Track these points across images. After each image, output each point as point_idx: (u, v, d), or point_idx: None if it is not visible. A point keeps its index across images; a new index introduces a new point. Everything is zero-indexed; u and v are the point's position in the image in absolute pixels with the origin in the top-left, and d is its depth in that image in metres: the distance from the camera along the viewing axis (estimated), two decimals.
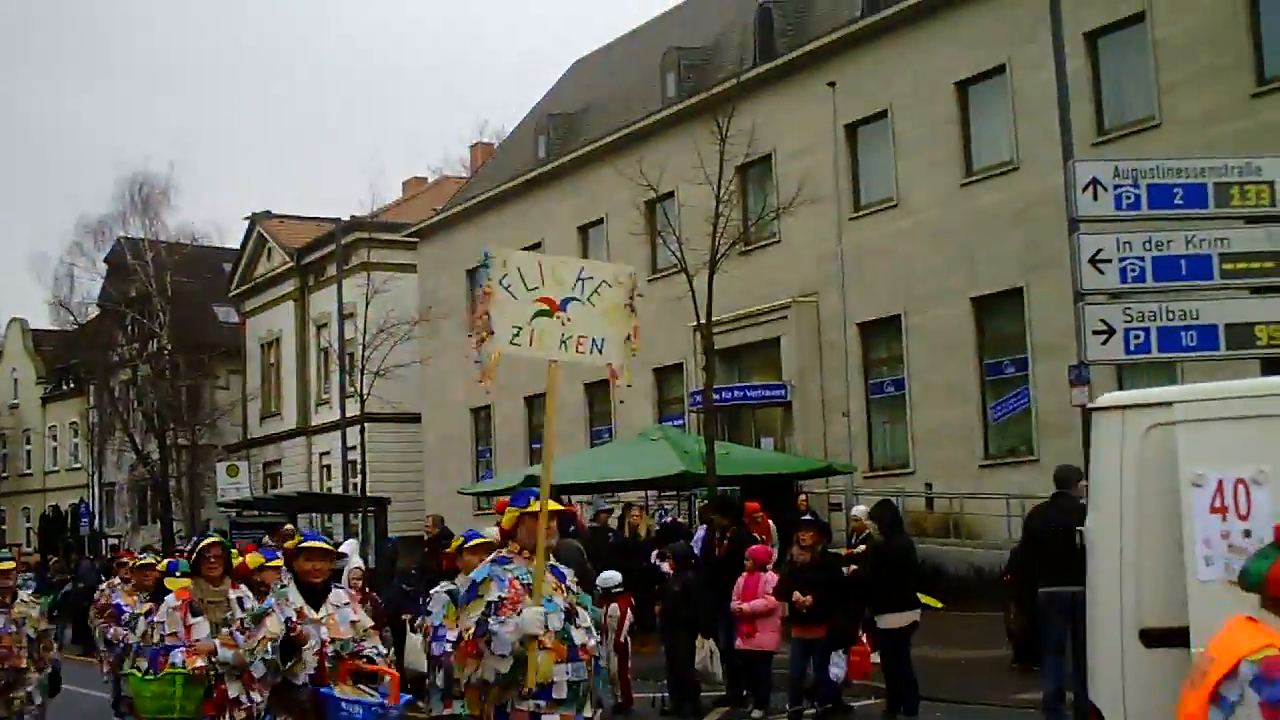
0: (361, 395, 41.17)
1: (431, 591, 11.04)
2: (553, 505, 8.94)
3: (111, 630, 15.69)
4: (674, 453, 29.89)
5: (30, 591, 14.32)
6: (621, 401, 37.68)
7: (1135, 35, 28.55)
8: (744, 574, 17.22)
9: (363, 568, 21.03)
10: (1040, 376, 29.48)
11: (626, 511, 26.68)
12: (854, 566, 17.30)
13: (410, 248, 52.34)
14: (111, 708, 15.06)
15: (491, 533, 9.77)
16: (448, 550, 11.60)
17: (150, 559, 15.67)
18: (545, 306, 9.54)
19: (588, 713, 8.37)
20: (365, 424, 42.00)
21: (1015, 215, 30.00)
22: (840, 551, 19.29)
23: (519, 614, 8.07)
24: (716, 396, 30.82)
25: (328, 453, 55.11)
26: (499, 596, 8.22)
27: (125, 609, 14.14)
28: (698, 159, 27.82)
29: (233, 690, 9.60)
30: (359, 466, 42.72)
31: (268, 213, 62.60)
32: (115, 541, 56.27)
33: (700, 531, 22.59)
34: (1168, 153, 21.32)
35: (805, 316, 35.32)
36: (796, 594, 16.24)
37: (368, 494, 40.85)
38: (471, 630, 8.13)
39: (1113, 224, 17.58)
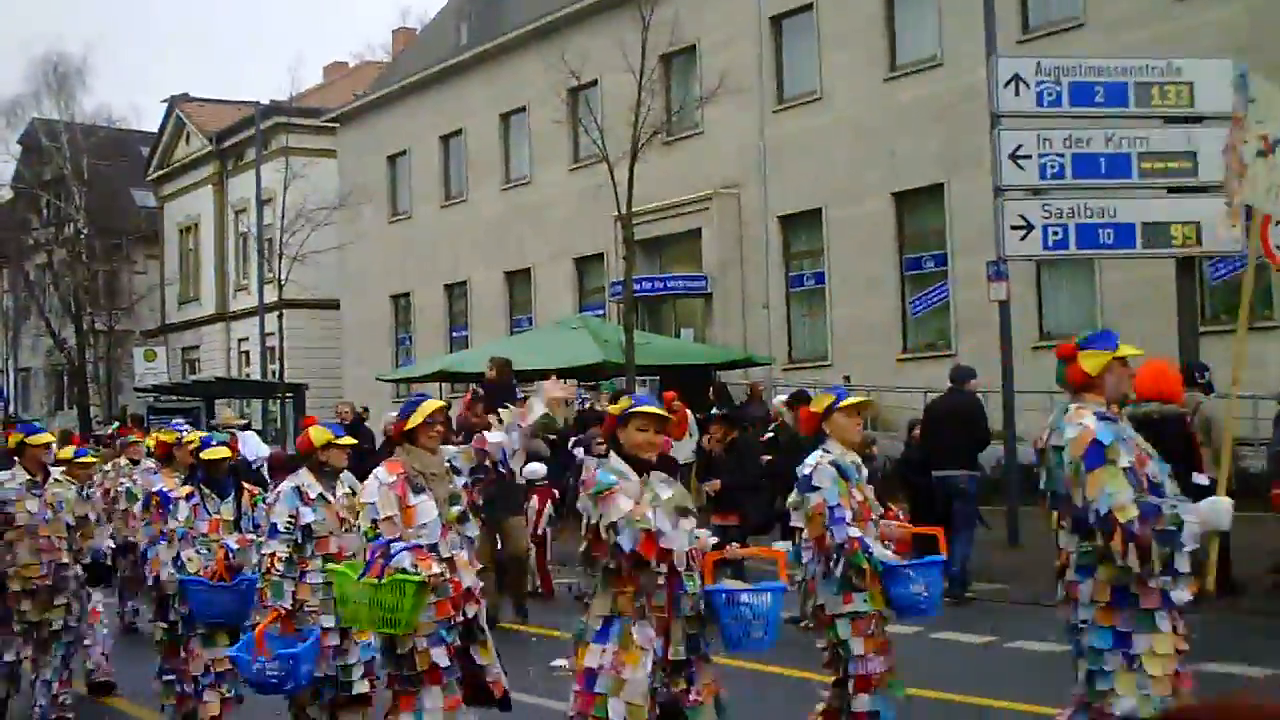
0: (280, 281, 40.96)
1: (814, 465, 8.62)
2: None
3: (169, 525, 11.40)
4: (594, 342, 29.94)
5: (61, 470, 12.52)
6: None
7: None
8: None
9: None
10: (959, 272, 29.65)
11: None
12: (769, 457, 17.40)
13: (330, 133, 51.84)
14: (160, 621, 11.41)
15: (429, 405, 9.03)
16: (812, 410, 9.00)
17: (173, 432, 12.92)
18: (1263, 147, 8.67)
19: None
20: (284, 310, 41.82)
21: (938, 111, 30.03)
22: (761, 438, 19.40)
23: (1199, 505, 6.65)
24: (637, 287, 30.87)
25: (246, 339, 54.83)
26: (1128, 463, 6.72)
27: (169, 495, 11.58)
28: (621, 47, 27.68)
29: (466, 579, 8.05)
30: (277, 353, 42.57)
31: (186, 95, 61.85)
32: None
33: None
34: (1091, 53, 21.34)
35: (726, 208, 35.29)
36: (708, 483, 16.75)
37: (286, 380, 40.73)
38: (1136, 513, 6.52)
39: (1034, 120, 17.69)
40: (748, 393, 28.35)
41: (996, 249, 18.43)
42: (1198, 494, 7.79)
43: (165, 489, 11.45)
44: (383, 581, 7.46)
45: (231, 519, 10.51)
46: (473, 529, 8.29)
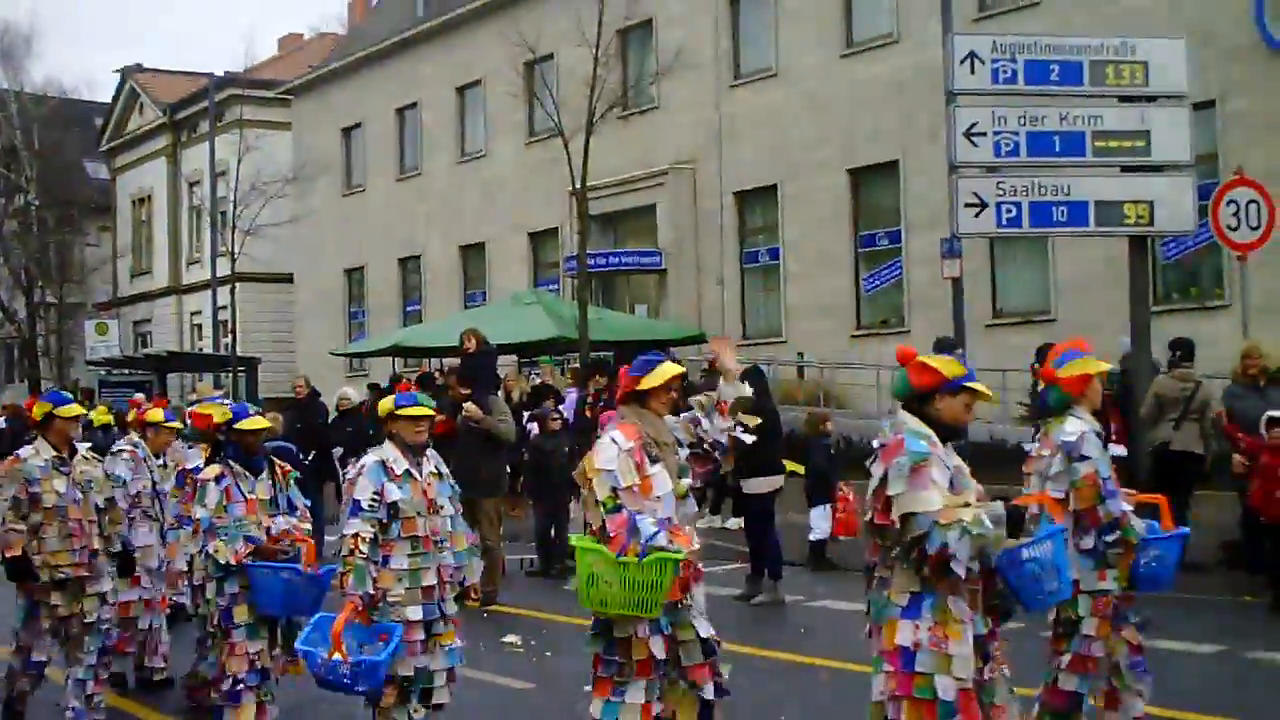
0: (233, 254, 40.79)
1: (1078, 433, 8.11)
2: None
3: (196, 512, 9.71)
4: (547, 317, 29.93)
5: (89, 446, 11.35)
6: None
7: None
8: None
9: None
10: (913, 249, 29.72)
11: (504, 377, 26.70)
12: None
13: (284, 105, 51.58)
14: (197, 621, 10.43)
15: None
16: (1083, 373, 8.29)
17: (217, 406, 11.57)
18: None
19: None
20: (236, 283, 41.70)
21: (894, 88, 30.06)
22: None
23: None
24: (591, 262, 30.86)
25: (199, 312, 54.61)
26: None
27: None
28: (577, 21, 27.63)
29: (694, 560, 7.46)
30: (230, 326, 42.41)
31: (139, 66, 61.45)
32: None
33: (571, 394, 22.68)
34: (1046, 31, 21.36)
35: (682, 184, 35.26)
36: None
37: (238, 354, 40.57)
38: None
39: (989, 98, 17.68)
40: (706, 366, 28.30)
41: (950, 226, 18.45)
42: (1117, 464, 7.82)
43: (202, 466, 10.32)
44: (642, 559, 6.88)
45: (267, 498, 9.36)
46: (694, 505, 7.64)
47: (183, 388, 41.88)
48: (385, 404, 8.78)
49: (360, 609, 8.12)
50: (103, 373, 43.98)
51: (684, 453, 7.54)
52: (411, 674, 8.36)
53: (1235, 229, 17.66)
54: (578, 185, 27.28)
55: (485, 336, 20.70)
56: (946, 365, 6.56)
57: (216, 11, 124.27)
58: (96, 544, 10.37)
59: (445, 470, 8.71)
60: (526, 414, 21.19)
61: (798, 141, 32.31)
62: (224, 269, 41.69)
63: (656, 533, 6.94)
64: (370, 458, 8.53)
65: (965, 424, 6.61)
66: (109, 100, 63.26)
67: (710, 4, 34.46)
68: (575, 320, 27.22)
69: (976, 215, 17.55)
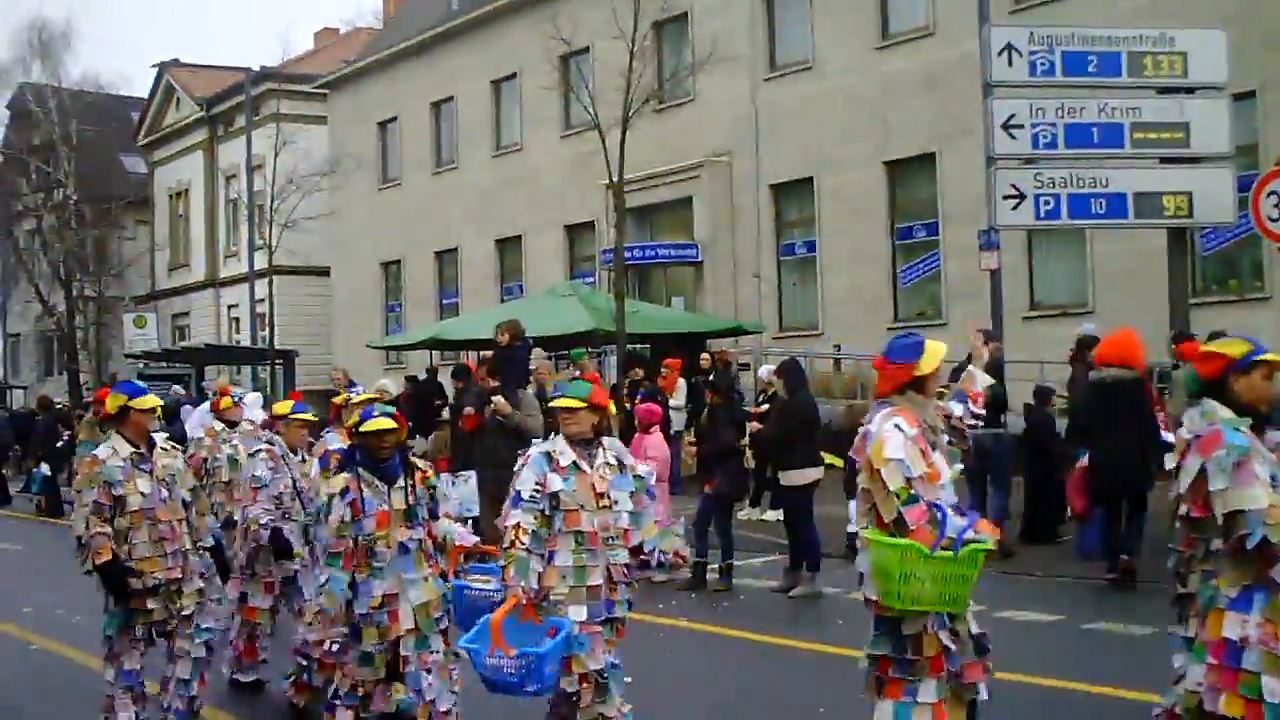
0: (270, 247, 40.92)
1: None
2: None
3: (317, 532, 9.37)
4: (584, 310, 29.92)
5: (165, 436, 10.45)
6: None
7: None
8: (638, 434, 17.22)
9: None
10: (950, 241, 29.64)
11: (534, 370, 26.69)
12: (757, 425, 17.42)
13: (321, 99, 51.71)
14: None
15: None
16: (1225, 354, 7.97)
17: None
18: None
19: None
20: (274, 277, 41.81)
21: (930, 80, 29.98)
22: (749, 410, 19.40)
23: None
24: (627, 255, 30.82)
25: (236, 305, 54.82)
26: None
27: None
28: (612, 14, 27.56)
29: None
30: (267, 319, 42.55)
31: (176, 61, 61.70)
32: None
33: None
34: (1084, 22, 21.32)
35: (718, 176, 35.24)
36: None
37: (276, 347, 40.69)
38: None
39: (1026, 90, 17.68)
40: (710, 359, 28.26)
41: (988, 218, 18.44)
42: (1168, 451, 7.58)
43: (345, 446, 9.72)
44: (957, 551, 6.54)
45: (403, 508, 8.56)
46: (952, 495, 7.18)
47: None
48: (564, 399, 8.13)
49: (524, 602, 7.63)
50: (141, 366, 44.10)
51: (944, 439, 7.19)
52: (602, 668, 7.83)
53: (1276, 220, 17.55)
54: (614, 178, 27.23)
55: (522, 330, 20.76)
56: (1230, 346, 6.43)
57: (252, 6, 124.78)
58: (187, 544, 9.63)
59: (630, 461, 8.14)
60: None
61: (834, 134, 32.25)
62: (261, 262, 41.80)
63: (969, 524, 6.63)
64: (536, 448, 8.06)
65: (1271, 399, 6.40)
66: (146, 95, 63.50)
67: None
68: (612, 313, 27.19)
69: (1015, 207, 17.56)
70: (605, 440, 8.08)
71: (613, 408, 8.14)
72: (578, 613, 7.73)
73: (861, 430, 7.01)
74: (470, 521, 16.59)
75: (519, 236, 42.22)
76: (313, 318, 51.44)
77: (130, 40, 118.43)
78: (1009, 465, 17.53)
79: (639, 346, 29.62)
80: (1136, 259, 23.79)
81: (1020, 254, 27.78)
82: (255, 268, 42.15)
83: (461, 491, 17.61)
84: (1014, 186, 17.53)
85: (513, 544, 7.68)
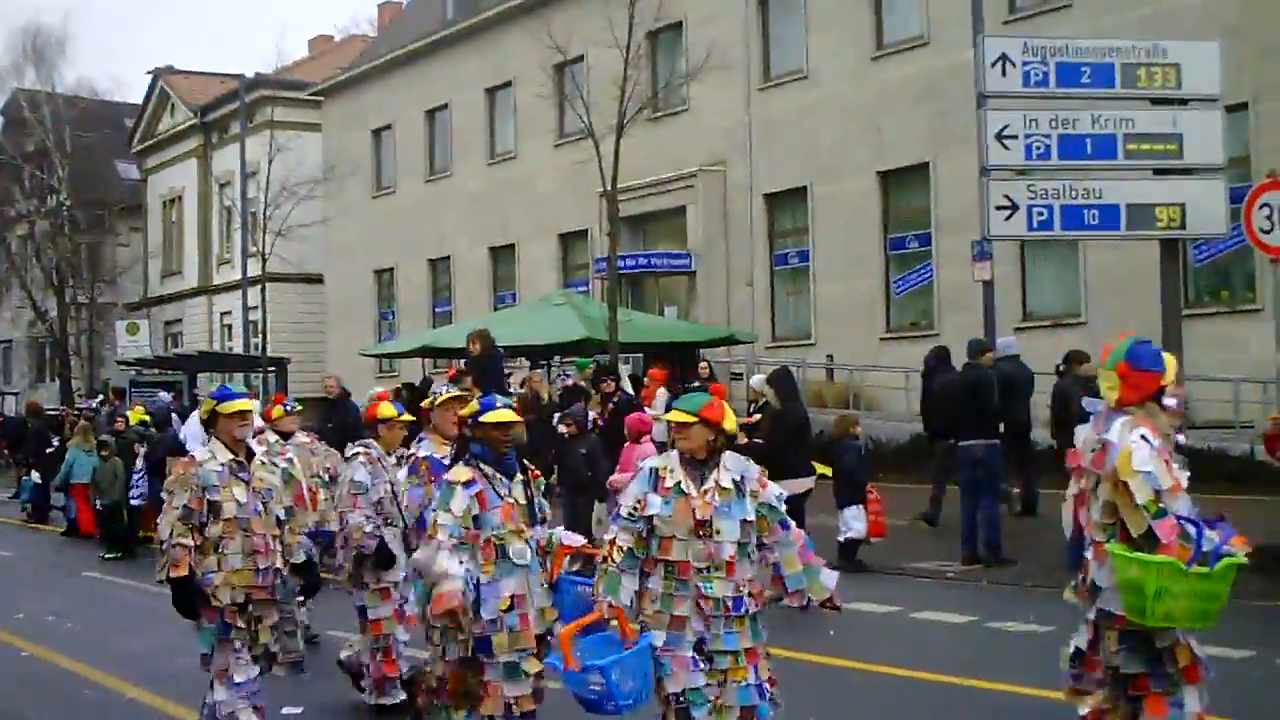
0: (263, 255, 40.91)
1: None
2: None
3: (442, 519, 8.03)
4: (577, 318, 29.92)
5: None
6: None
7: None
8: (628, 444, 17.18)
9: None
10: (943, 251, 29.67)
11: (527, 379, 26.71)
12: (745, 437, 17.40)
13: (315, 106, 51.72)
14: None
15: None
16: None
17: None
18: None
19: None
20: (267, 284, 41.78)
21: (924, 91, 30.02)
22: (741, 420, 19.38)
23: None
24: (621, 263, 30.86)
25: (229, 312, 54.79)
26: None
27: (441, 461, 9.13)
28: (607, 23, 27.62)
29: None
30: (260, 326, 42.51)
31: (170, 68, 61.71)
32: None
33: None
34: (1078, 33, 21.38)
35: (712, 186, 35.27)
36: None
37: (269, 354, 40.67)
38: None
39: (1020, 101, 17.70)
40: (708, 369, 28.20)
41: (981, 229, 18.43)
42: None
43: (437, 455, 9.35)
44: (1214, 569, 6.33)
45: (524, 504, 7.98)
46: None
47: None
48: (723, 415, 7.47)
49: (607, 617, 7.19)
50: (133, 373, 44.06)
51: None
52: (679, 691, 7.19)
53: (1269, 232, 17.55)
54: (608, 187, 27.27)
55: (493, 339, 20.75)
56: None
57: (247, 14, 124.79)
58: (279, 562, 8.99)
59: (755, 488, 7.40)
60: (556, 415, 21.21)
61: (828, 144, 32.29)
62: (254, 269, 41.76)
63: (1224, 539, 6.40)
64: (647, 463, 7.53)
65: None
66: (140, 102, 63.52)
67: (740, 6, 34.46)
68: (605, 322, 27.21)
69: (1008, 218, 17.57)
70: (729, 459, 7.41)
71: (732, 423, 7.43)
72: (657, 638, 7.18)
73: (1096, 439, 6.82)
74: None
75: (512, 245, 42.22)
76: (306, 325, 51.42)
77: (125, 47, 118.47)
78: (1000, 474, 17.57)
79: (631, 355, 29.64)
80: (1129, 270, 23.82)
81: (1013, 265, 27.81)
82: (248, 275, 42.10)
83: None
84: (1007, 197, 17.54)
85: (606, 559, 7.29)
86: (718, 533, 7.17)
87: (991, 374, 17.81)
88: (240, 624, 8.78)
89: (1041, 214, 17.54)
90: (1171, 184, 17.81)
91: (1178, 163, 17.69)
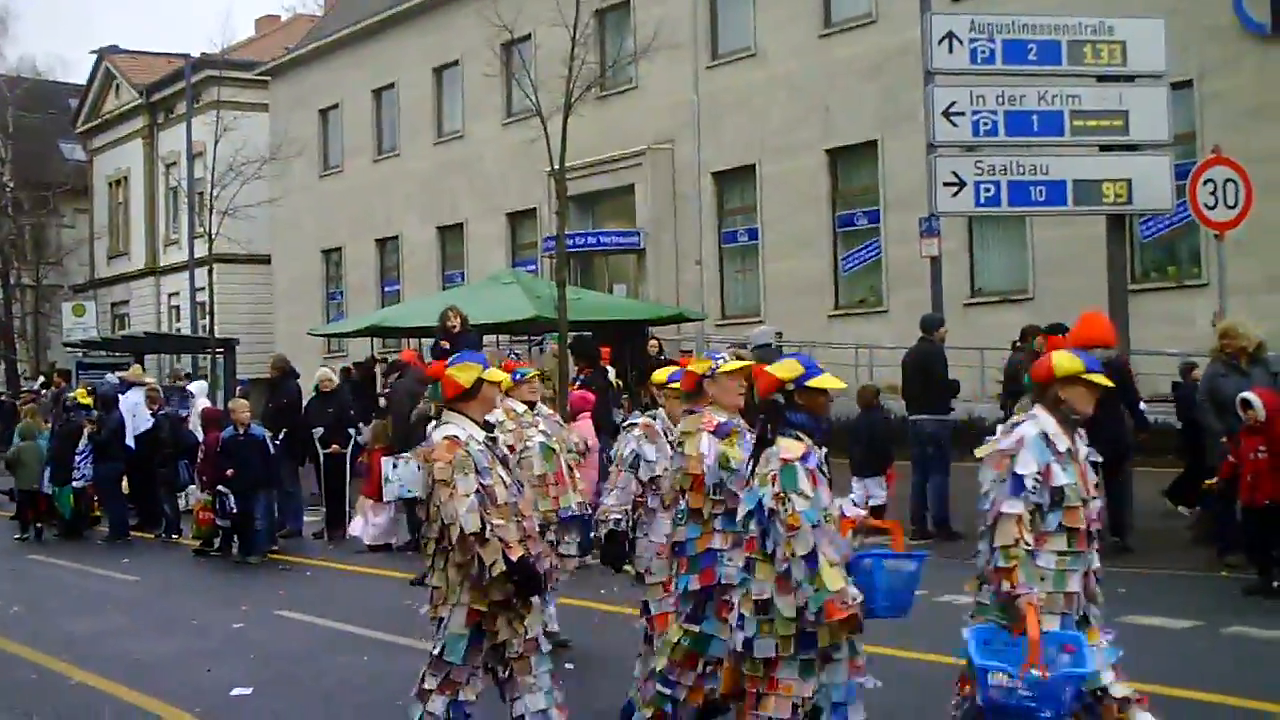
0: (210, 235, 40.65)
1: None
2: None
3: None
4: (526, 297, 29.84)
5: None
6: None
7: None
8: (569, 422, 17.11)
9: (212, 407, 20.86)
10: (891, 228, 29.73)
11: (551, 350, 26.63)
12: None
13: (262, 86, 51.38)
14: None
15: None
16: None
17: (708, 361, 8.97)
18: None
19: None
20: (214, 265, 41.54)
21: (872, 68, 30.07)
22: None
23: None
24: (569, 242, 30.76)
25: (176, 293, 54.43)
26: None
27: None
28: (554, 1, 27.50)
29: None
30: (208, 307, 42.29)
31: (115, 47, 61.16)
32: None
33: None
34: (1024, 11, 21.42)
35: (660, 164, 35.25)
36: None
37: (216, 335, 40.44)
38: None
39: (967, 78, 17.73)
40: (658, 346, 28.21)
41: (929, 205, 18.48)
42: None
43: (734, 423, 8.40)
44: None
45: (829, 477, 6.94)
46: None
47: (160, 371, 41.60)
48: (1067, 363, 6.80)
49: (1036, 612, 6.35)
50: (80, 355, 43.80)
51: None
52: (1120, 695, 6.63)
53: (1213, 208, 17.74)
54: (556, 166, 27.16)
55: (466, 315, 20.67)
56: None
57: None
58: (540, 548, 7.91)
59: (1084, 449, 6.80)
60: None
61: (776, 122, 32.31)
62: (201, 250, 41.50)
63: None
64: (1030, 428, 6.71)
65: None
66: (84, 81, 63.01)
67: None
68: (554, 300, 27.12)
69: (955, 194, 17.60)
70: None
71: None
72: (1050, 622, 6.47)
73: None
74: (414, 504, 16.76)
75: (461, 224, 42.12)
76: (253, 306, 51.18)
77: (69, 25, 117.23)
78: (950, 451, 17.63)
79: (582, 334, 29.60)
80: (1076, 246, 23.91)
81: (961, 241, 27.90)
82: (195, 256, 41.90)
83: (403, 473, 17.74)
84: (954, 173, 17.57)
85: (1016, 541, 6.46)
86: (1092, 499, 6.76)
87: (943, 349, 17.86)
88: (496, 627, 7.60)
89: (989, 190, 17.58)
90: (1118, 160, 17.89)
91: (1124, 139, 17.77)
